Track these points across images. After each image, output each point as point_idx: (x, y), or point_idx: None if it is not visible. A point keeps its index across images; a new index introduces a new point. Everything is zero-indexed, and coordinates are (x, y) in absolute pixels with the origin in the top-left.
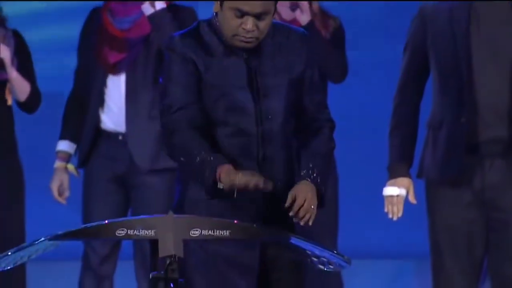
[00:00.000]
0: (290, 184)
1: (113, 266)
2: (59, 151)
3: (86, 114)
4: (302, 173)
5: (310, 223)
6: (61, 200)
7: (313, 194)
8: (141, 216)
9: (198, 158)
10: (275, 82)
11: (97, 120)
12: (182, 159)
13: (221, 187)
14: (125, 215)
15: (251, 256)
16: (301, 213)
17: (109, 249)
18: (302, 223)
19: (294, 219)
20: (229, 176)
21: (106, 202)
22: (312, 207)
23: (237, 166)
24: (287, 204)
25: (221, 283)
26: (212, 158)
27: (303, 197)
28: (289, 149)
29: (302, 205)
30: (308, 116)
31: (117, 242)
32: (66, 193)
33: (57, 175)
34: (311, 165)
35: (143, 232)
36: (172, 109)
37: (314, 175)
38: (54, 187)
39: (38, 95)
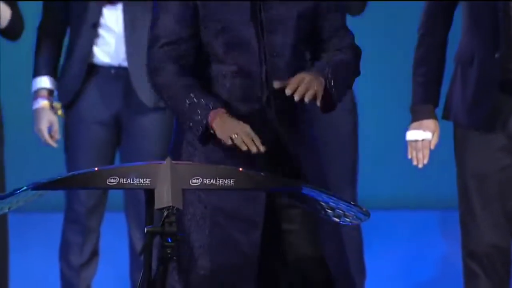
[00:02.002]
0: (298, 131)
1: (100, 218)
2: (40, 89)
3: (61, 47)
4: (313, 66)
5: (306, 100)
6: (52, 142)
7: (319, 82)
8: (135, 163)
9: (187, 101)
10: (281, 15)
11: (89, 54)
12: (168, 102)
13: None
14: (112, 159)
15: (254, 210)
16: (301, 89)
17: (96, 199)
18: (296, 97)
19: (294, 96)
20: (224, 131)
21: (93, 146)
22: (316, 88)
23: (239, 109)
24: (277, 85)
25: (221, 241)
26: (203, 100)
27: (303, 76)
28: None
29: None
30: (327, 44)
31: (105, 191)
32: (57, 135)
33: (44, 115)
34: (326, 62)
35: (138, 181)
36: (159, 42)
37: (326, 70)
38: (44, 128)
39: (20, 20)
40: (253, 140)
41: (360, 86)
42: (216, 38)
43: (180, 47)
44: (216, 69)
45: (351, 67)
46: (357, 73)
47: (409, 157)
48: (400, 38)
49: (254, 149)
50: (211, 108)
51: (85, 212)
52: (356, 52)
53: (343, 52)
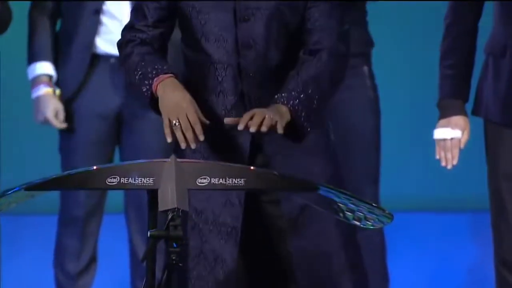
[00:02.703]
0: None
1: (99, 221)
2: (41, 75)
3: (55, 32)
4: (276, 96)
5: (263, 129)
6: (63, 125)
7: (276, 112)
8: (137, 161)
9: (139, 72)
10: (257, 3)
11: (92, 43)
12: (127, 80)
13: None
14: (111, 158)
15: (231, 215)
16: (255, 120)
17: (96, 200)
18: (252, 129)
19: (250, 129)
20: (165, 106)
21: (93, 142)
22: (272, 117)
23: (213, 103)
24: (228, 122)
25: (200, 249)
26: (149, 68)
27: (255, 110)
28: (276, 87)
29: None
30: (307, 37)
31: (103, 191)
32: (64, 125)
33: (49, 102)
34: (290, 88)
35: (140, 181)
36: (130, 23)
37: (291, 102)
38: (51, 116)
39: (8, 12)
40: (193, 129)
41: (383, 82)
42: (189, 25)
43: (148, 33)
44: (192, 58)
45: (325, 79)
46: (338, 80)
47: (437, 157)
48: (419, 34)
49: (193, 146)
50: (154, 75)
51: (83, 214)
52: (336, 57)
53: (319, 57)
